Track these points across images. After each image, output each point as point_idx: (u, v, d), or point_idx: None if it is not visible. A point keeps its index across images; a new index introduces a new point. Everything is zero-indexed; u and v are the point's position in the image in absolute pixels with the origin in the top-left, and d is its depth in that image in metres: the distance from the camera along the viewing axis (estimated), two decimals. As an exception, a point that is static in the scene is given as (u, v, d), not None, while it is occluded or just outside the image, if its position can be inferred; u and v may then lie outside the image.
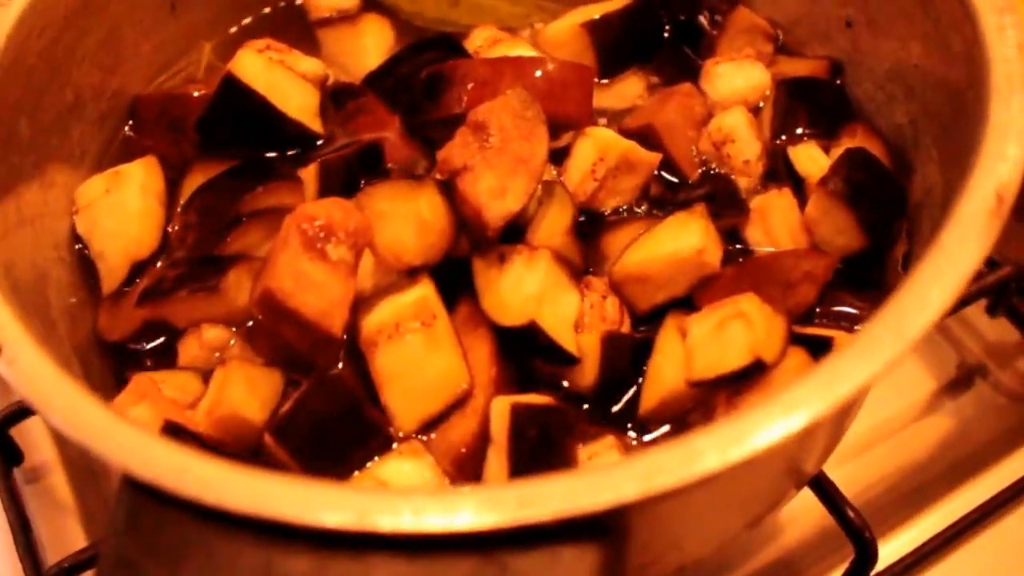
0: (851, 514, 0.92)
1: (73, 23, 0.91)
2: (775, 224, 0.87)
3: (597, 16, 0.99)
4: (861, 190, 0.84)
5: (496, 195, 0.77)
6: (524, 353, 0.80)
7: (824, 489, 0.94)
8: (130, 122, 1.01)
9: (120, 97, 0.99)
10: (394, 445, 0.77)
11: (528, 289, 0.79)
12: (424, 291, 0.79)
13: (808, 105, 0.94)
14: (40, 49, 0.87)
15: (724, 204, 0.88)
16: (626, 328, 0.83)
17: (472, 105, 0.81)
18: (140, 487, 0.57)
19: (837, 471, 0.96)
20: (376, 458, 0.76)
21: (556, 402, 0.76)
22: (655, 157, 0.89)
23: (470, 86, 0.86)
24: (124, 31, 0.97)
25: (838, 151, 0.89)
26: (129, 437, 0.59)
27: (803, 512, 0.98)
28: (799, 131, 0.94)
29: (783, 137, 0.94)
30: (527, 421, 0.72)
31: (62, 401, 0.62)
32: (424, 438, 0.78)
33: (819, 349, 0.75)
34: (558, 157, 0.89)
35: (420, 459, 0.75)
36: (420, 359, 0.77)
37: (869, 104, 0.95)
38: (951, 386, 1.14)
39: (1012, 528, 1.00)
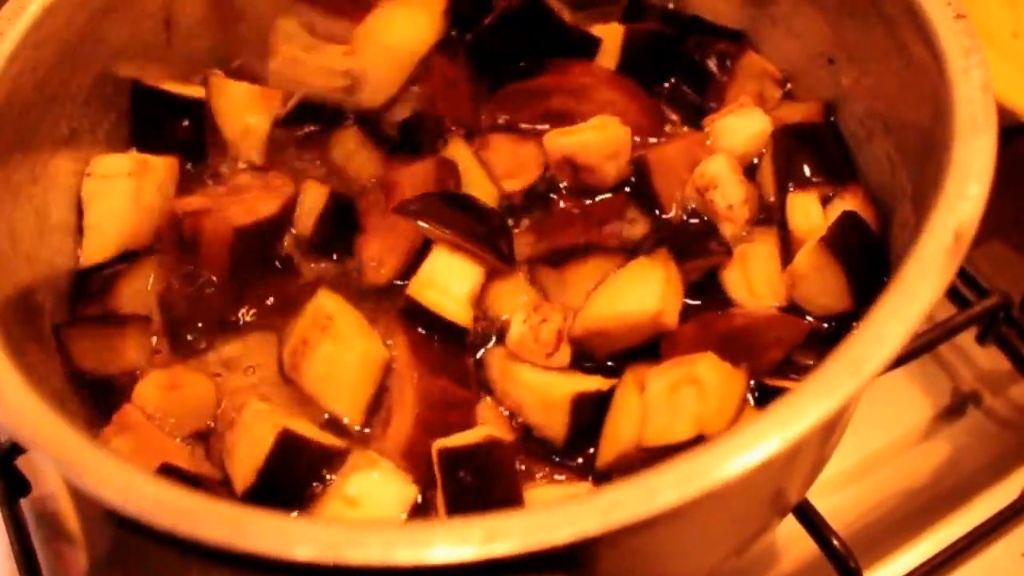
0: (836, 543, 0.93)
1: (68, 58, 0.93)
2: (754, 271, 0.88)
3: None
4: (858, 254, 0.84)
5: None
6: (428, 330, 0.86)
7: (809, 518, 0.95)
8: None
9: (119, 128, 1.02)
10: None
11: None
12: (316, 302, 0.86)
13: (810, 152, 0.94)
14: (35, 82, 0.90)
15: (698, 246, 0.89)
16: (563, 357, 0.85)
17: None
18: (123, 520, 0.60)
19: (828, 499, 0.97)
20: (335, 476, 0.80)
21: (485, 438, 0.78)
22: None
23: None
24: (119, 64, 1.00)
25: (835, 211, 0.89)
26: (109, 470, 0.61)
27: (798, 539, 0.99)
28: (806, 176, 0.93)
29: (790, 186, 0.92)
30: (455, 464, 0.75)
31: (44, 434, 0.65)
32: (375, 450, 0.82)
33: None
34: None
35: (380, 466, 0.79)
36: (335, 358, 0.84)
37: (852, 140, 0.96)
38: (946, 413, 1.15)
39: (999, 557, 1.01)
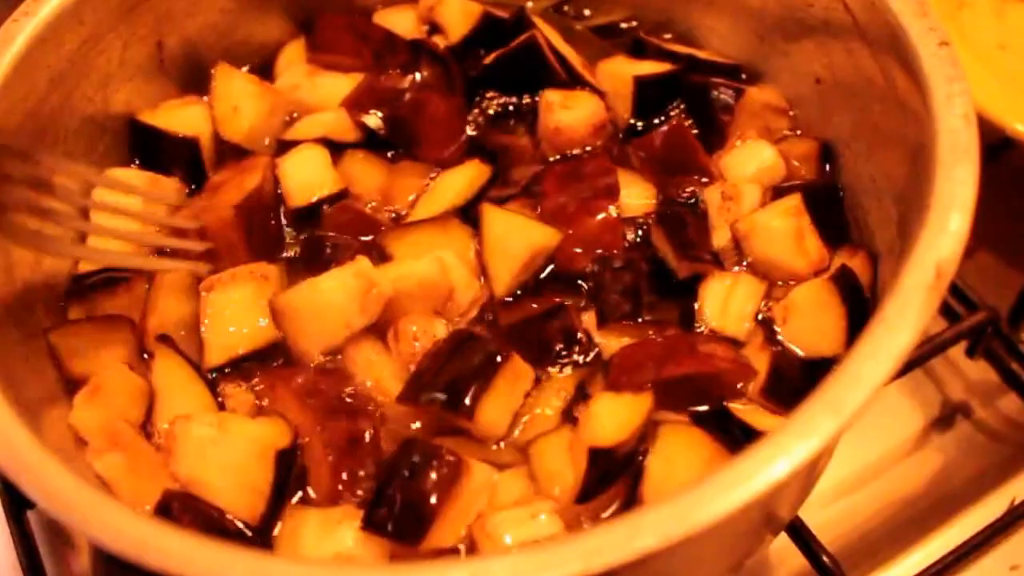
0: (825, 559, 0.94)
1: (59, 85, 0.94)
2: (736, 297, 0.88)
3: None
4: (857, 301, 0.84)
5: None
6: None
7: (800, 535, 0.96)
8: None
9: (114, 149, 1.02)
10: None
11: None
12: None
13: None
14: (28, 109, 0.90)
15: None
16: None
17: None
18: (111, 557, 0.61)
19: (818, 512, 0.98)
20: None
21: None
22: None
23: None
24: (115, 86, 1.00)
25: (835, 264, 0.90)
26: (96, 508, 0.63)
27: (792, 552, 0.99)
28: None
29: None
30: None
31: (33, 470, 0.66)
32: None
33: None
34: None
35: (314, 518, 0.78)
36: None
37: (836, 162, 0.97)
38: (935, 425, 1.15)
39: (988, 570, 1.01)
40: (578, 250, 0.92)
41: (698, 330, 0.88)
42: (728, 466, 0.60)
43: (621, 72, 1.03)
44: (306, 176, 0.98)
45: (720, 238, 0.92)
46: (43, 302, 0.91)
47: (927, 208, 0.70)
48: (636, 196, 0.96)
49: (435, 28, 1.11)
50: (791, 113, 1.01)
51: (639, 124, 1.03)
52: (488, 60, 1.04)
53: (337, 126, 1.02)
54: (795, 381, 0.84)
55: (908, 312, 0.65)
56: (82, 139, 0.98)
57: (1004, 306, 1.12)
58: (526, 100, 1.03)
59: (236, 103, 1.03)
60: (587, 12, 1.13)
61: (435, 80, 1.04)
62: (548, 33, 1.04)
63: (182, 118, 1.03)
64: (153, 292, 0.92)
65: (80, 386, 0.86)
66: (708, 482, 0.59)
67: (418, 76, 1.05)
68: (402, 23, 1.12)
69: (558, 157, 1.00)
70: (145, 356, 0.90)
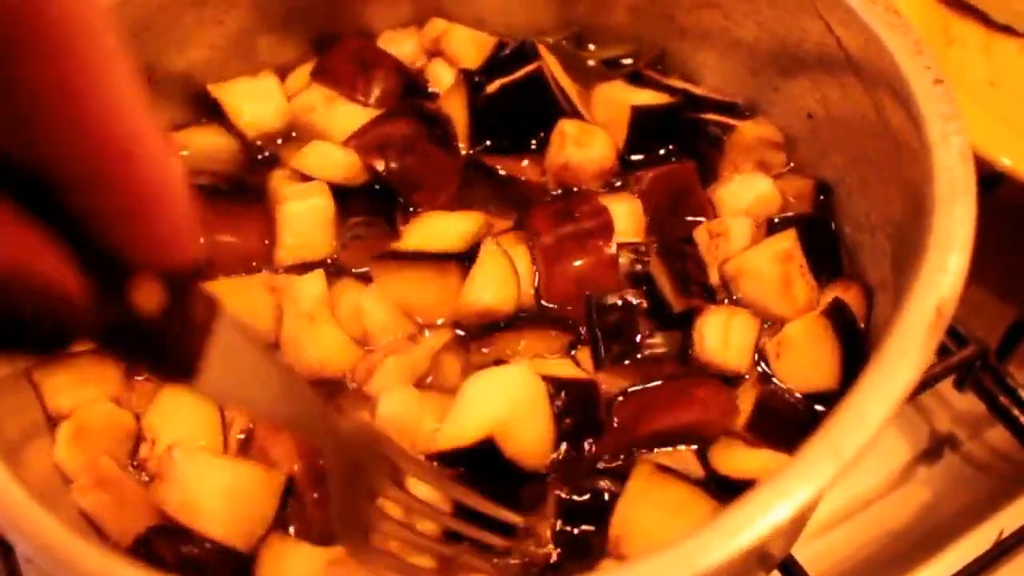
0: (814, 595, 0.94)
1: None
2: (735, 330, 0.88)
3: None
4: (851, 335, 0.84)
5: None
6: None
7: (790, 570, 0.95)
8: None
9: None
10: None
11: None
12: None
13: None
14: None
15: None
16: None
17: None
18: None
19: (807, 546, 0.98)
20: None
21: None
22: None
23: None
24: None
25: (825, 297, 0.89)
26: (80, 555, 0.61)
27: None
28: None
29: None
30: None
31: (13, 515, 0.65)
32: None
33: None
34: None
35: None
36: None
37: (830, 196, 0.97)
38: (923, 456, 1.15)
39: (978, 605, 1.01)
40: (570, 290, 0.91)
41: (698, 363, 0.88)
42: (728, 512, 0.59)
43: (620, 98, 1.02)
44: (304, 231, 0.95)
45: (713, 275, 0.92)
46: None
47: (925, 247, 0.70)
48: (628, 223, 0.96)
49: (436, 54, 1.11)
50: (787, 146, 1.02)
51: (629, 156, 1.02)
52: (492, 89, 1.02)
53: (350, 169, 0.99)
54: (782, 415, 0.84)
55: (909, 352, 0.65)
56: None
57: (993, 339, 1.12)
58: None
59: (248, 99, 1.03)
60: (591, 47, 1.13)
61: (431, 132, 1.02)
62: (552, 64, 1.03)
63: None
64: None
65: (63, 421, 0.85)
66: (710, 528, 0.58)
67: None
68: (404, 48, 1.11)
69: (559, 192, 1.00)
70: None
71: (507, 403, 0.79)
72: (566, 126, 0.99)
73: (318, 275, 0.90)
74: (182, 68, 1.03)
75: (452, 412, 0.80)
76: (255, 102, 1.05)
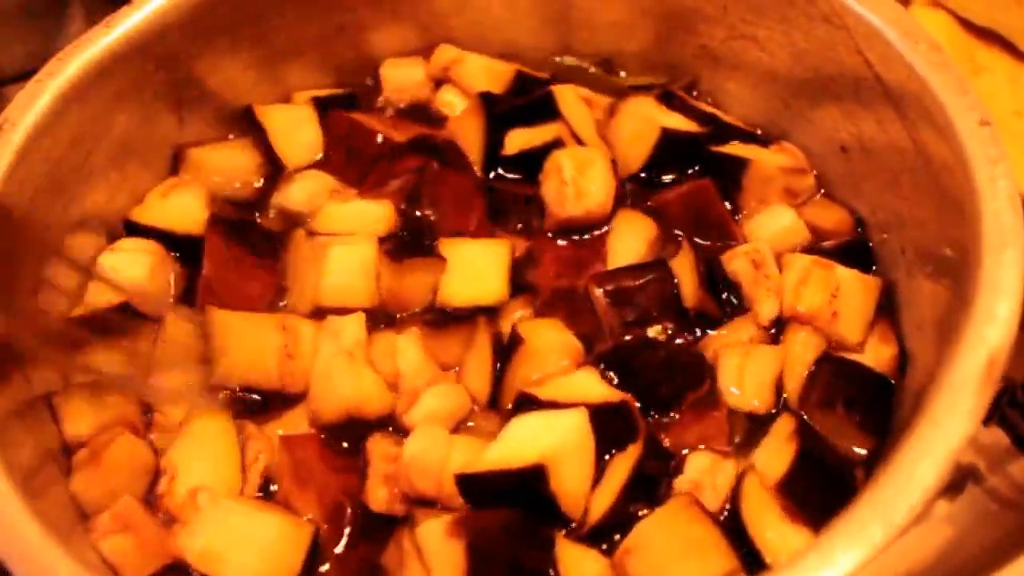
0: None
1: (80, 143, 0.91)
2: (751, 367, 0.86)
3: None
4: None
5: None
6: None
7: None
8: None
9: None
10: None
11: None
12: None
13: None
14: (45, 171, 0.88)
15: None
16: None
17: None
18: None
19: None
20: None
21: None
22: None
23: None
24: (134, 147, 0.98)
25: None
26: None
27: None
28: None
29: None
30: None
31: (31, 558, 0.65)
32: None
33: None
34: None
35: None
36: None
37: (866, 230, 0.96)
38: (945, 491, 1.13)
39: (1002, 650, 0.99)
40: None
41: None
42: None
43: (649, 115, 1.01)
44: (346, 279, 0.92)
45: (768, 309, 0.89)
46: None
47: (973, 293, 0.68)
48: (633, 243, 0.95)
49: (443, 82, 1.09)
50: (814, 173, 1.00)
51: (643, 175, 1.00)
52: (510, 151, 1.01)
53: (387, 220, 0.98)
54: (817, 481, 0.82)
55: (959, 406, 0.63)
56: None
57: (1019, 373, 1.10)
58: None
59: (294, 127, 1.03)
60: (623, 73, 1.11)
61: (441, 158, 1.01)
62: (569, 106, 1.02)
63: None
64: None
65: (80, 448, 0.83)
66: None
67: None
68: (410, 76, 1.09)
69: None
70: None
71: (560, 440, 0.77)
72: (565, 167, 0.95)
73: (360, 316, 0.88)
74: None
75: (498, 441, 0.78)
76: (295, 130, 1.04)
